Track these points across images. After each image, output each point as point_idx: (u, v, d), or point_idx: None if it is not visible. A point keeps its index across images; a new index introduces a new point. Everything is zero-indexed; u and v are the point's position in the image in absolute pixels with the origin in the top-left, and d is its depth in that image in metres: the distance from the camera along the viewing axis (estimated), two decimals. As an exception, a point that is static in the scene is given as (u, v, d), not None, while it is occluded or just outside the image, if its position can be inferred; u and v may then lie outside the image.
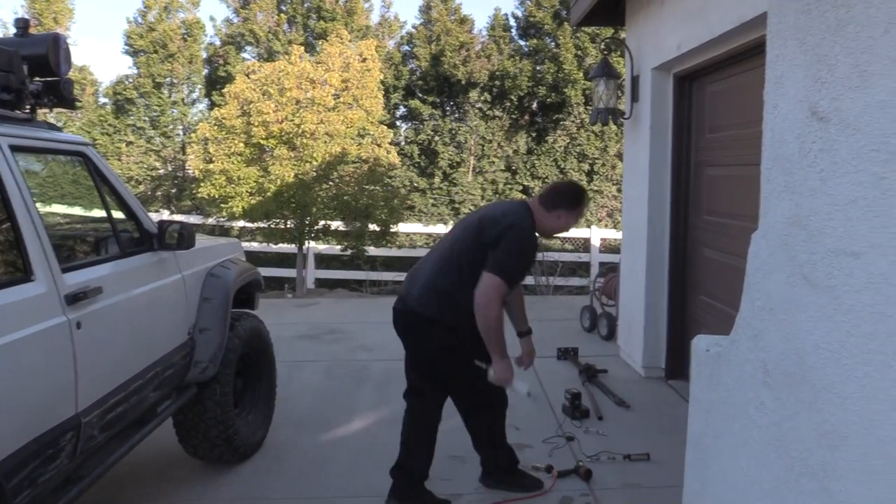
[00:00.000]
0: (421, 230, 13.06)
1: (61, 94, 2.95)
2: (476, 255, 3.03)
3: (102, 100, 14.08)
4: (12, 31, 3.02)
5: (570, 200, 3.18)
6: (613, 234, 11.98)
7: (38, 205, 2.50)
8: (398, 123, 14.16)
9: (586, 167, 13.34)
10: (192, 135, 11.32)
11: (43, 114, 2.99)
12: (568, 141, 13.31)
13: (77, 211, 3.16)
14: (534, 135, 13.68)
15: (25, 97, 2.76)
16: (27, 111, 2.80)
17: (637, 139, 5.53)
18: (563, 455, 3.89)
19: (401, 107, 14.00)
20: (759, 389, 1.80)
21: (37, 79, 2.88)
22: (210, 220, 11.10)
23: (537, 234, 3.16)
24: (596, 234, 12.12)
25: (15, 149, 2.48)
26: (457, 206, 13.48)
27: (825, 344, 1.55)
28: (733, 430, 1.93)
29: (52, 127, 2.91)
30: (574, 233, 12.78)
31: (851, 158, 1.48)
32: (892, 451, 1.33)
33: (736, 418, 1.91)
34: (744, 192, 4.24)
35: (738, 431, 1.91)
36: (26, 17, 3.07)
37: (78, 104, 3.72)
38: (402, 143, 13.68)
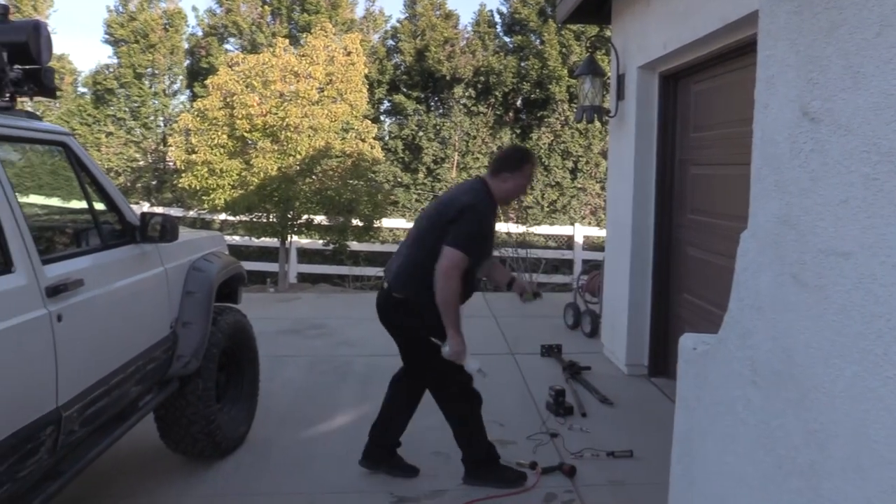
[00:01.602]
0: (404, 226, 13.00)
1: (42, 82, 2.89)
2: (441, 233, 3.16)
3: (81, 89, 13.90)
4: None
5: (511, 163, 3.32)
6: (597, 232, 12.02)
7: (17, 195, 2.45)
8: (382, 118, 14.10)
9: (570, 164, 13.37)
10: (174, 125, 11.19)
11: (20, 102, 2.94)
12: (552, 138, 13.33)
13: (57, 202, 3.10)
14: (518, 131, 13.68)
15: (5, 85, 2.71)
16: (6, 99, 2.74)
17: (622, 137, 5.54)
18: (547, 452, 3.89)
19: (385, 101, 13.94)
20: (746, 387, 1.81)
21: (17, 66, 2.82)
22: (191, 213, 11.00)
23: (497, 206, 3.35)
24: (579, 232, 12.14)
25: (-5, 138, 2.43)
26: (440, 201, 13.44)
27: (814, 343, 1.55)
28: (720, 427, 1.94)
29: (31, 116, 2.85)
30: (557, 230, 12.83)
31: (843, 159, 1.48)
32: (882, 451, 1.33)
33: (723, 416, 1.92)
34: (728, 191, 4.26)
35: (725, 429, 1.91)
36: (5, 3, 2.99)
37: (58, 93, 3.65)
38: (386, 138, 13.63)
